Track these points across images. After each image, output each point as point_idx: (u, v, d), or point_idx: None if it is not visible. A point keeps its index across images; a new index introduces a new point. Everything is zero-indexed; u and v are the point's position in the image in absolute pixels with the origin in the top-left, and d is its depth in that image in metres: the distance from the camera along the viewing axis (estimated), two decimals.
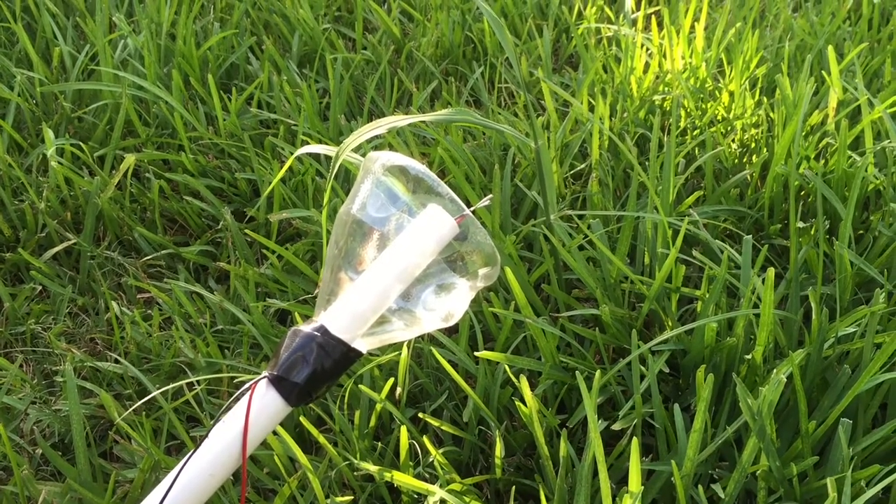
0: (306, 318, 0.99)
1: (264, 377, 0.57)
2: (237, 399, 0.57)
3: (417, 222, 0.60)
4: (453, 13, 1.45)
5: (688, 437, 0.77)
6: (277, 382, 0.56)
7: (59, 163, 1.15)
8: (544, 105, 1.30)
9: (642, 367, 0.82)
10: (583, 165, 1.16)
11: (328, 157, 1.22)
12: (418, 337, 0.91)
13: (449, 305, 0.61)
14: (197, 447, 0.56)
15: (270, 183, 1.16)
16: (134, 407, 0.88)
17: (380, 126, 0.79)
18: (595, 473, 0.77)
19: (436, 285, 0.60)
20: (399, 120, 0.79)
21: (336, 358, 0.57)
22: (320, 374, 0.57)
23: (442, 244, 0.61)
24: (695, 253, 0.89)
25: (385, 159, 0.61)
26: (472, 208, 0.60)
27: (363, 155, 1.02)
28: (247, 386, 0.57)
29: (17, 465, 0.82)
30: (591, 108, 1.22)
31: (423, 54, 1.38)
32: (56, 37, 1.42)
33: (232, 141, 1.23)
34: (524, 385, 0.76)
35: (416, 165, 0.60)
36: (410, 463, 0.80)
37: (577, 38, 1.32)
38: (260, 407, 0.56)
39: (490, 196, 0.65)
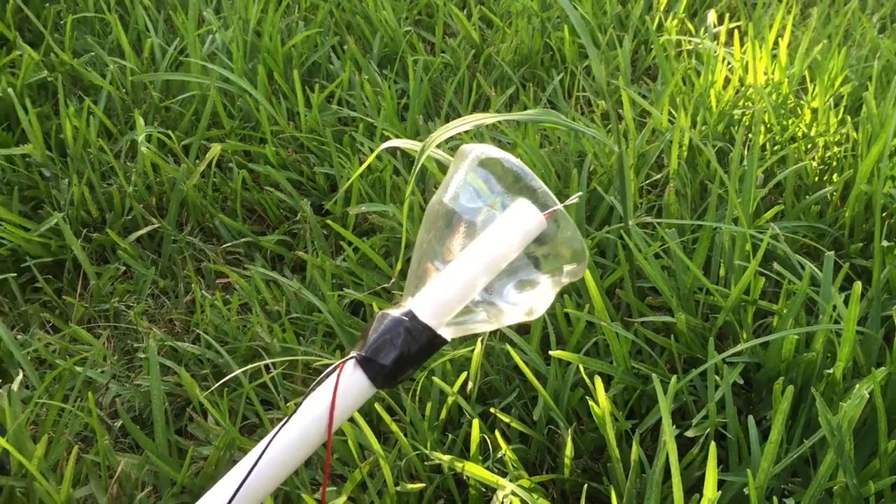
0: (381, 308, 1.01)
1: (352, 357, 0.58)
2: (325, 378, 0.59)
3: (506, 216, 0.61)
4: (534, 20, 1.46)
5: (761, 449, 0.76)
6: (364, 363, 0.58)
7: (148, 149, 1.19)
8: (621, 114, 1.30)
9: (717, 377, 0.81)
10: (658, 176, 1.16)
11: (405, 156, 1.24)
12: (490, 334, 0.92)
13: (531, 301, 0.61)
14: (284, 422, 0.57)
15: (348, 178, 1.18)
16: (216, 386, 0.91)
17: (467, 122, 0.80)
18: (665, 479, 0.77)
19: (519, 280, 0.61)
20: (486, 117, 0.80)
21: (422, 343, 0.58)
22: (406, 358, 0.58)
23: (529, 239, 0.61)
24: (775, 266, 0.88)
25: (480, 151, 0.62)
26: (561, 205, 0.61)
27: (448, 151, 1.04)
28: (335, 365, 0.58)
29: (101, 436, 0.85)
30: (670, 120, 1.22)
31: (502, 60, 1.39)
32: (148, 29, 1.47)
33: (312, 136, 1.26)
34: (599, 386, 0.76)
35: (511, 159, 0.61)
36: (479, 457, 0.81)
37: (658, 49, 1.32)
38: (346, 386, 0.58)
39: (578, 194, 0.65)
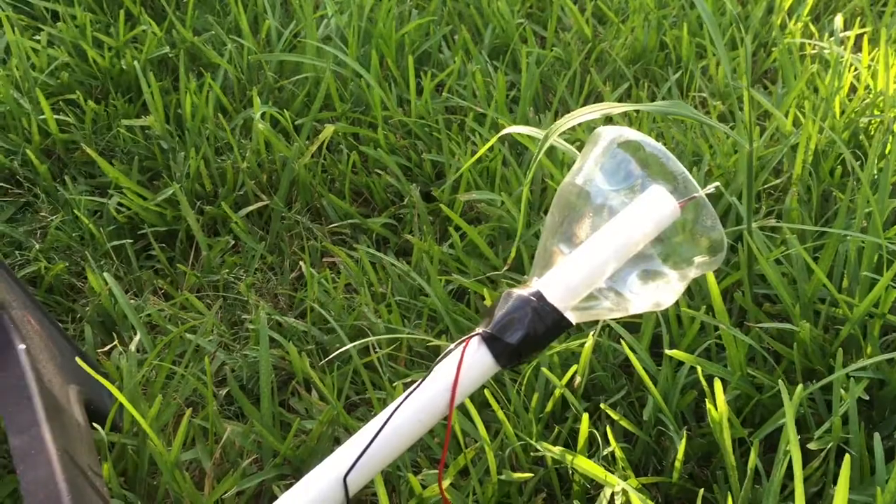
0: (498, 293, 1.00)
1: (478, 334, 0.58)
2: (449, 352, 0.58)
3: (640, 201, 0.60)
4: (650, 17, 1.43)
5: (887, 468, 0.73)
6: (490, 341, 0.57)
7: (263, 126, 1.21)
8: (737, 117, 1.26)
9: (842, 391, 0.78)
10: (777, 181, 1.12)
11: (513, 147, 1.23)
12: (600, 329, 0.90)
13: (658, 291, 0.60)
14: (408, 393, 0.57)
15: (456, 165, 1.18)
16: (326, 360, 0.91)
17: (594, 110, 0.79)
18: (782, 489, 0.74)
19: (645, 270, 0.59)
20: (615, 106, 0.79)
21: (548, 325, 0.57)
22: (532, 339, 0.57)
23: (662, 226, 0.60)
24: None
25: (617, 133, 0.60)
26: (700, 192, 0.59)
27: (568, 142, 1.02)
28: (461, 340, 0.58)
29: (210, 401, 0.87)
30: (794, 124, 1.18)
31: (616, 55, 1.37)
32: (265, 11, 1.50)
33: (422, 122, 1.26)
34: (718, 388, 0.74)
35: (651, 142, 0.59)
36: (586, 452, 0.79)
37: (782, 50, 1.27)
38: (471, 362, 0.57)
39: (717, 184, 0.63)
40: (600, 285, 0.60)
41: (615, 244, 0.59)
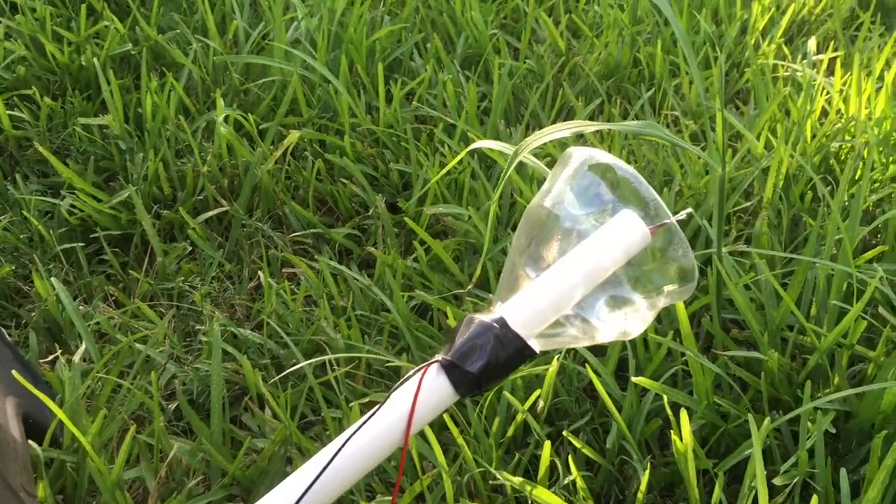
0: (459, 313, 0.97)
1: (436, 361, 0.55)
2: (406, 380, 0.55)
3: (609, 226, 0.57)
4: (625, 33, 1.42)
5: None
6: (449, 368, 0.54)
7: (226, 129, 1.18)
8: (709, 137, 1.25)
9: (809, 423, 0.76)
10: (747, 204, 1.10)
11: (483, 160, 1.20)
12: (565, 353, 0.87)
13: (626, 320, 0.57)
14: (360, 423, 0.54)
15: (424, 176, 1.15)
16: (279, 376, 0.88)
17: (566, 128, 0.76)
18: None
19: (613, 297, 0.57)
20: (586, 125, 0.76)
21: (510, 353, 0.55)
22: (493, 367, 0.54)
23: (632, 253, 0.57)
24: (881, 311, 0.83)
25: (588, 155, 0.58)
26: (672, 219, 0.57)
27: (539, 158, 1.00)
28: (419, 367, 0.55)
29: (157, 417, 0.83)
30: (765, 146, 1.16)
31: (589, 70, 1.35)
32: (234, 10, 1.46)
33: (390, 131, 1.23)
34: (684, 418, 0.71)
35: (622, 165, 0.57)
36: (546, 482, 0.77)
37: (755, 71, 1.26)
38: (429, 390, 0.54)
39: (689, 210, 0.61)
40: (567, 312, 0.58)
41: (583, 270, 0.57)
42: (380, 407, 0.54)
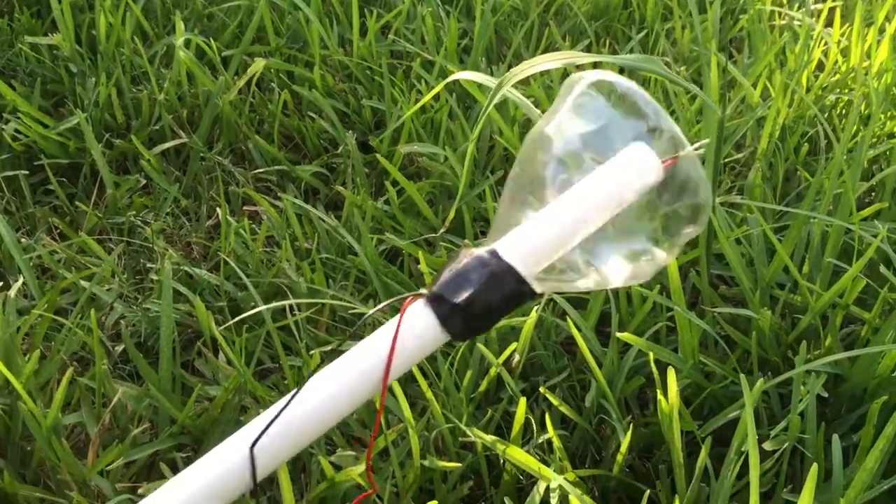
0: (416, 262, 0.91)
1: (421, 295, 0.48)
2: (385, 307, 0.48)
3: (619, 158, 0.50)
4: None
5: (845, 473, 0.67)
6: (436, 302, 0.47)
7: (185, 54, 1.09)
8: (703, 85, 1.18)
9: (802, 387, 0.71)
10: (740, 155, 1.05)
11: (462, 100, 1.13)
12: (544, 305, 0.82)
13: (636, 266, 0.51)
14: (339, 360, 0.47)
15: (398, 114, 1.08)
16: (234, 321, 0.81)
17: (555, 58, 0.69)
18: (734, 495, 0.67)
19: (624, 241, 0.50)
20: (577, 56, 0.70)
21: (506, 291, 0.47)
22: (486, 304, 0.47)
23: (643, 189, 0.50)
24: (882, 271, 0.78)
25: (593, 76, 0.51)
26: (689, 149, 0.50)
27: (522, 92, 0.93)
28: (401, 297, 0.47)
29: (100, 359, 0.76)
30: (761, 96, 1.10)
31: (578, 10, 1.27)
32: None
33: (364, 64, 1.16)
34: (671, 377, 0.66)
35: (637, 90, 0.50)
36: (520, 440, 0.71)
37: (752, 17, 1.20)
38: (412, 328, 0.47)
39: (706, 140, 0.54)
40: (574, 255, 0.50)
41: (588, 205, 0.49)
42: (354, 347, 0.47)
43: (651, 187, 0.49)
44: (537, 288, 0.48)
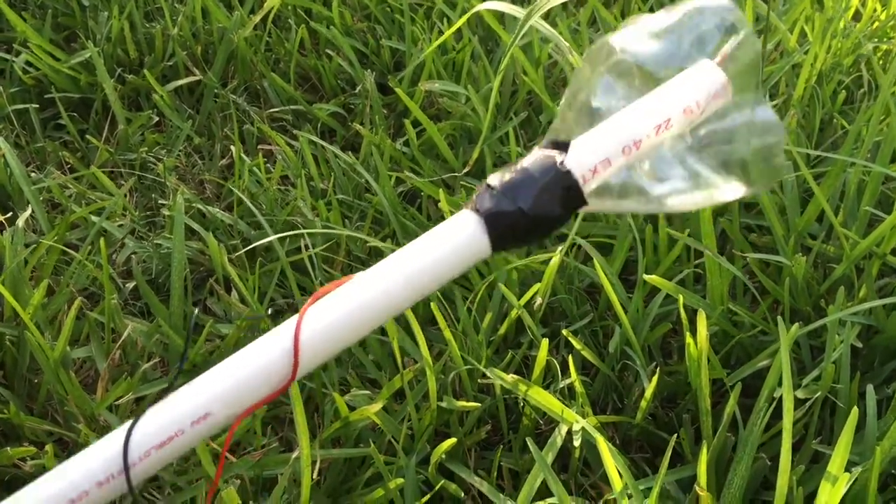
0: (436, 203, 0.88)
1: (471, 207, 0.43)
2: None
3: (687, 73, 0.47)
4: None
5: (879, 425, 0.64)
6: (488, 213, 0.43)
7: None
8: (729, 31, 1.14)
9: (837, 336, 0.68)
10: (774, 102, 1.01)
11: (486, 42, 1.09)
12: (566, 249, 0.79)
13: (698, 189, 0.47)
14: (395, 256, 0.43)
15: (417, 54, 1.04)
16: (247, 249, 0.79)
17: None
18: (762, 445, 0.65)
19: (690, 164, 0.47)
20: None
21: (559, 194, 0.43)
22: (535, 213, 0.43)
23: (709, 103, 0.47)
24: None
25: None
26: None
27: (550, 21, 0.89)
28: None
29: (109, 293, 0.74)
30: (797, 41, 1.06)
31: None
32: None
33: (383, 3, 1.12)
34: (702, 322, 0.63)
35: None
36: (541, 384, 0.69)
37: None
38: (459, 238, 0.43)
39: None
40: (635, 174, 0.46)
41: (654, 119, 0.45)
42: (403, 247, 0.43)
43: (720, 102, 0.46)
44: (589, 202, 0.44)
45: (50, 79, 1.01)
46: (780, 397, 0.63)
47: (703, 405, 0.65)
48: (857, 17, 1.21)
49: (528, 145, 0.97)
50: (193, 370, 0.74)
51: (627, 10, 1.17)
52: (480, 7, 0.74)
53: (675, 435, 0.62)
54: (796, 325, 0.62)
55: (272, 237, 0.74)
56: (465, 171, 0.87)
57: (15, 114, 0.98)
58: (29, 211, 0.81)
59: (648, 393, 0.67)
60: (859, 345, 0.70)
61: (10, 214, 0.87)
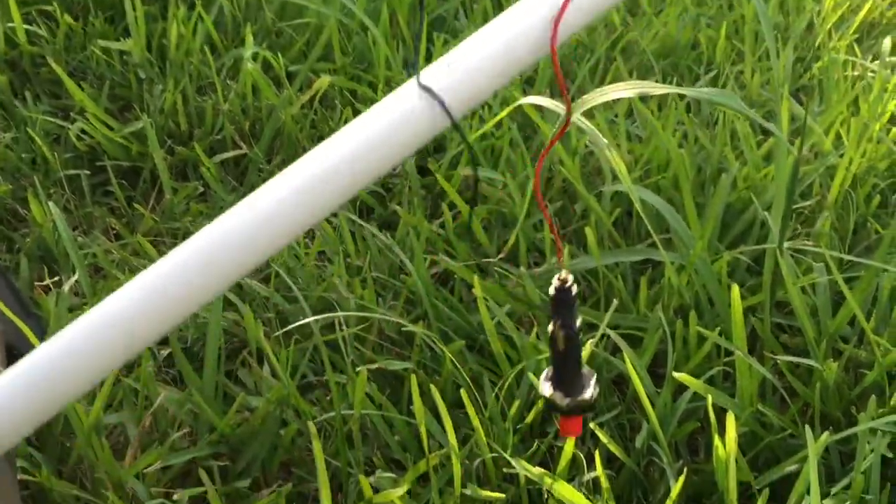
0: (469, 287, 0.90)
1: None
2: None
3: None
4: (687, 12, 1.33)
5: None
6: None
7: (253, 67, 1.10)
8: (765, 131, 1.16)
9: (867, 445, 0.68)
10: (805, 204, 1.02)
11: (524, 129, 1.12)
12: (596, 343, 0.79)
13: None
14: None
15: (457, 138, 1.07)
16: (283, 330, 0.80)
17: (630, 87, 0.68)
18: None
19: None
20: (653, 86, 0.68)
21: None
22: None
23: None
24: None
25: None
26: None
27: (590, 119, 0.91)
28: None
29: (146, 361, 0.76)
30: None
31: (646, 47, 1.26)
32: None
33: None
34: (731, 423, 0.63)
35: None
36: (565, 477, 0.69)
37: (826, 63, 1.17)
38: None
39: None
40: None
41: None
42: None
43: None
44: None
45: (103, 147, 1.06)
46: None
47: None
48: (892, 120, 1.22)
49: (562, 234, 0.99)
50: (221, 441, 0.75)
51: (664, 103, 1.19)
52: (522, 101, 0.76)
53: None
54: (826, 433, 0.62)
55: (309, 318, 0.76)
56: (499, 256, 0.89)
57: (66, 179, 1.02)
58: (75, 276, 0.83)
59: (674, 492, 0.66)
60: (890, 454, 0.69)
61: (56, 278, 0.90)
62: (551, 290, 0.42)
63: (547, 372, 0.44)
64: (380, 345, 0.84)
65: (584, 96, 0.69)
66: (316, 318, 0.76)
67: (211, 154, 1.08)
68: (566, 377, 0.43)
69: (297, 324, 0.79)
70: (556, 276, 0.43)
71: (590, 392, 0.43)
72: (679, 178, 0.95)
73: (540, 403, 0.73)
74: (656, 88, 0.67)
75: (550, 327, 0.43)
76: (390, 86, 1.18)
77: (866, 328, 0.74)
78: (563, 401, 0.43)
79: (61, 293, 0.79)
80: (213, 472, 0.74)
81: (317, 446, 0.65)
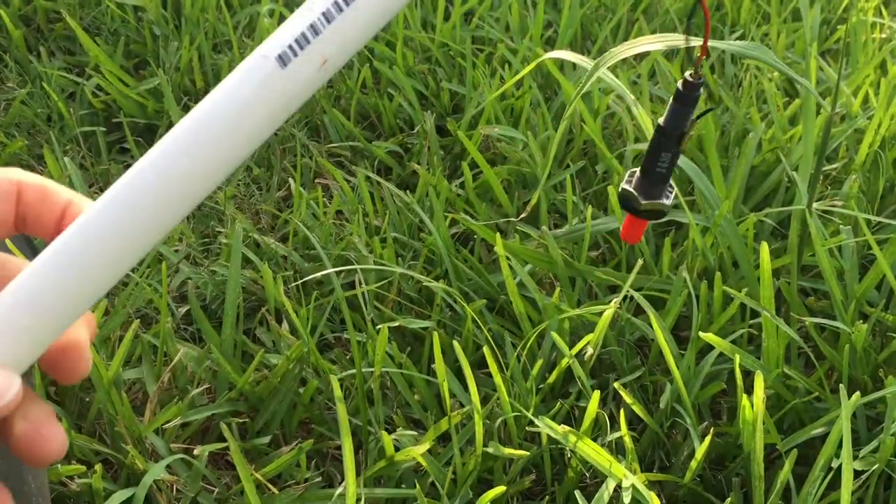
0: (489, 247, 0.89)
1: None
2: None
3: None
4: None
5: None
6: None
7: (269, 23, 1.08)
8: (789, 93, 1.14)
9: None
10: (832, 167, 1.00)
11: (546, 90, 1.10)
12: (619, 304, 0.78)
13: None
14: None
15: (477, 98, 1.05)
16: (301, 281, 0.79)
17: (658, 40, 0.66)
18: None
19: None
20: (681, 39, 0.66)
21: None
22: None
23: None
24: None
25: None
26: None
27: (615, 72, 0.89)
28: None
29: (164, 317, 0.75)
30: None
31: (669, 6, 1.24)
32: None
33: (444, 49, 1.13)
34: (759, 384, 0.62)
35: None
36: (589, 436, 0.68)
37: (853, 25, 1.15)
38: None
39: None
40: None
41: None
42: None
43: None
44: None
45: (118, 103, 1.04)
46: (836, 467, 0.61)
47: (757, 470, 0.63)
48: None
49: (583, 195, 0.97)
50: (240, 399, 0.75)
51: (686, 63, 1.17)
52: (547, 56, 0.74)
53: (727, 499, 0.60)
54: (857, 394, 0.61)
55: (329, 270, 0.75)
56: (520, 216, 0.87)
57: (82, 136, 1.01)
58: None
59: (699, 454, 0.65)
60: None
61: None
62: (679, 85, 0.39)
63: (631, 172, 0.41)
64: (399, 304, 0.83)
65: (613, 48, 0.67)
66: (336, 269, 0.75)
67: None
68: (654, 179, 0.40)
69: (317, 274, 0.78)
70: (688, 73, 0.39)
71: (669, 200, 0.41)
72: (704, 140, 0.93)
73: (563, 363, 0.72)
74: (684, 41, 0.65)
75: (661, 121, 0.39)
76: (408, 45, 1.16)
77: None
78: (642, 199, 0.40)
79: None
80: (232, 429, 0.73)
81: (340, 406, 0.64)
